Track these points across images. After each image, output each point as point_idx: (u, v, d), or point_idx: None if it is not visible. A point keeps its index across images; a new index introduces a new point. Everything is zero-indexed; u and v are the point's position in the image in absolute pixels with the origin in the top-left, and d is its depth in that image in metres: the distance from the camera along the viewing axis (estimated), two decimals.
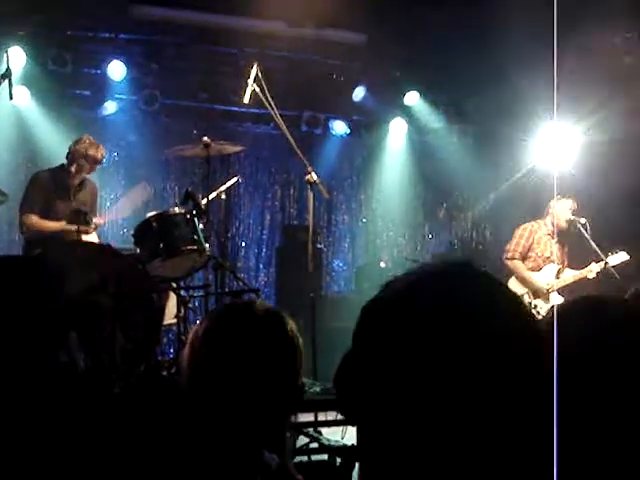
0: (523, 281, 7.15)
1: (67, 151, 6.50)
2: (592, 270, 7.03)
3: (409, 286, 1.10)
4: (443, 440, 1.03)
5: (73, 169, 6.41)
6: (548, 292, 7.10)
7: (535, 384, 1.06)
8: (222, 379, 1.71)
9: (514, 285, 7.16)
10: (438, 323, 1.04)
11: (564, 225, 7.18)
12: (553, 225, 7.25)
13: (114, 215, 6.76)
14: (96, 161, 6.49)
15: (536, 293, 7.13)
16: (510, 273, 7.26)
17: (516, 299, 1.11)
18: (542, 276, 7.20)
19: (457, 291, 1.07)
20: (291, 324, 1.86)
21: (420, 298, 1.07)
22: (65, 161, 6.51)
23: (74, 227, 6.05)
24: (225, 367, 1.72)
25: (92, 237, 6.40)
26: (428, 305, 1.06)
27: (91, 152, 6.41)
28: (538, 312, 7.01)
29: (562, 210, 7.19)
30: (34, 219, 6.36)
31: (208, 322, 1.85)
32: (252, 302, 1.87)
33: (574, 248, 7.37)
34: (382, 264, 9.08)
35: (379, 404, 1.06)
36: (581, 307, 1.56)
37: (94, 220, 6.36)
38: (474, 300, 1.07)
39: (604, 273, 6.97)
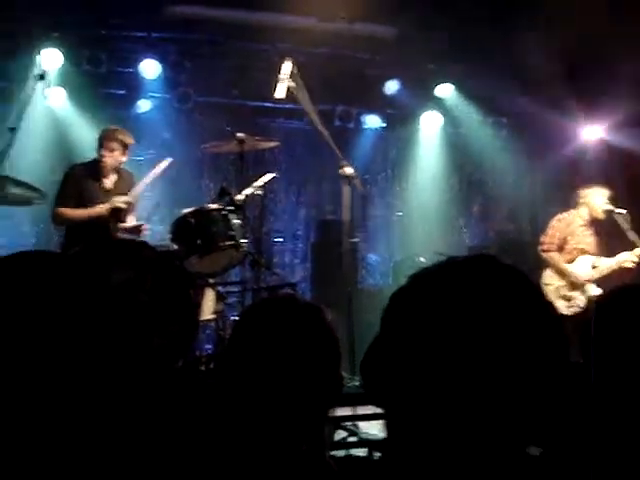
0: (560, 273, 7.02)
1: (96, 144, 6.47)
2: (627, 259, 6.89)
3: (434, 277, 1.16)
4: (465, 424, 1.06)
5: (104, 152, 6.37)
6: (585, 284, 6.96)
7: (555, 373, 1.09)
8: (263, 370, 1.72)
9: (550, 277, 7.04)
10: (460, 311, 1.09)
11: (601, 215, 7.06)
12: (589, 215, 7.12)
13: (139, 188, 6.64)
14: (125, 143, 6.43)
15: (573, 285, 6.99)
16: (546, 265, 7.13)
17: (538, 291, 1.16)
18: (577, 268, 7.06)
19: (479, 282, 1.12)
20: (329, 316, 1.87)
21: (444, 288, 1.13)
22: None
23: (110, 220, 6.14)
24: (266, 358, 1.72)
25: (129, 219, 6.47)
26: (451, 294, 1.11)
27: (118, 135, 6.39)
28: (578, 304, 6.89)
29: (598, 199, 7.07)
30: (66, 210, 6.34)
31: (248, 314, 1.86)
32: (292, 295, 1.88)
33: (610, 237, 7.23)
34: (421, 259, 9.03)
35: (404, 387, 1.10)
36: (623, 297, 1.55)
37: (123, 199, 6.36)
38: (495, 290, 1.12)
39: None
